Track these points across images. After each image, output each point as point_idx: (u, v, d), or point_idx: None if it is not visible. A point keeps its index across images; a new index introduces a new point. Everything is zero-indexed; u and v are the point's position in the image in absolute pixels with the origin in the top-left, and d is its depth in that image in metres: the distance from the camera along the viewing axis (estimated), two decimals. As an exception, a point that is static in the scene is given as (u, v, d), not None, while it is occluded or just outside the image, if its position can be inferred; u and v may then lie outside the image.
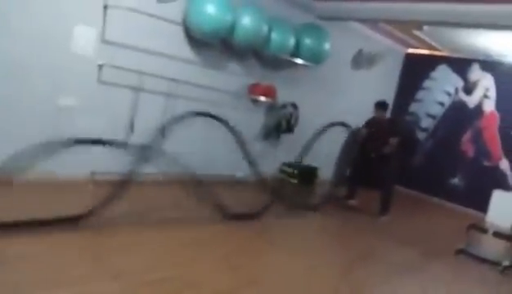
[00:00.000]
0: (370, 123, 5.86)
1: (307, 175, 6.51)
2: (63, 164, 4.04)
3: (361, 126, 6.22)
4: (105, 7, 4.21)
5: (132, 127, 4.64)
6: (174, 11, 4.73)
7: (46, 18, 3.90)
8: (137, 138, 4.60)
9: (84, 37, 4.18)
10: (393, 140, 5.48)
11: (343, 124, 5.79)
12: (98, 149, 3.79)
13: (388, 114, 5.95)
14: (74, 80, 4.19)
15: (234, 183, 5.52)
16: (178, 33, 4.88)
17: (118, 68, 4.36)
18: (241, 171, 5.44)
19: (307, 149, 5.37)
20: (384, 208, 5.59)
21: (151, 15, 4.41)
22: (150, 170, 4.12)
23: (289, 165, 6.44)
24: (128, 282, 2.62)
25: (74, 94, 4.22)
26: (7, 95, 3.81)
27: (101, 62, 4.29)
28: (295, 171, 6.39)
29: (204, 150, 5.35)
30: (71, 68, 4.14)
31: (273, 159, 6.31)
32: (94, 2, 4.16)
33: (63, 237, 2.98)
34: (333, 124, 5.65)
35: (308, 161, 6.30)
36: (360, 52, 7.28)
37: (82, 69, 4.22)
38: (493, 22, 4.94)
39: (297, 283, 3.12)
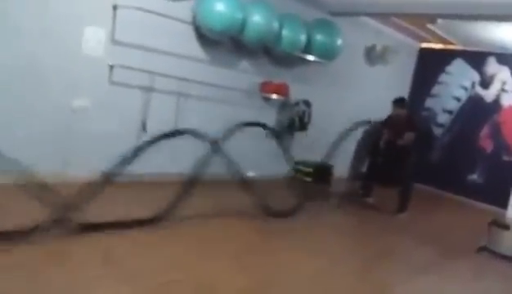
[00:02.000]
0: (388, 121, 5.73)
1: (321, 173, 6.37)
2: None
3: (376, 122, 6.10)
4: (115, 8, 4.19)
5: (144, 127, 4.61)
6: (184, 9, 4.70)
7: (57, 20, 3.90)
8: (149, 138, 4.60)
9: (95, 39, 4.17)
10: (409, 135, 5.36)
11: (368, 122, 5.68)
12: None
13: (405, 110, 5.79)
14: (85, 81, 4.18)
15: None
16: (188, 31, 4.84)
17: (129, 68, 4.34)
18: (253, 170, 5.38)
19: (334, 149, 5.32)
20: (402, 205, 5.47)
21: (161, 15, 4.38)
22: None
23: (304, 163, 6.34)
24: (140, 285, 2.56)
25: (86, 95, 4.21)
26: (21, 95, 3.81)
27: (111, 63, 4.27)
28: (309, 170, 6.29)
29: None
30: (83, 69, 4.14)
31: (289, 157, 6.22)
32: (103, 3, 4.15)
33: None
34: (358, 124, 5.54)
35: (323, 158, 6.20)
36: (373, 48, 7.16)
37: (93, 70, 4.21)
38: (509, 13, 4.80)
39: (313, 284, 3.05)
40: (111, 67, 4.29)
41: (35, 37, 3.80)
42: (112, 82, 4.35)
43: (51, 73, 3.94)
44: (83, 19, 4.05)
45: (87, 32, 4.10)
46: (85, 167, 4.19)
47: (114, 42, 4.28)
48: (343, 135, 5.37)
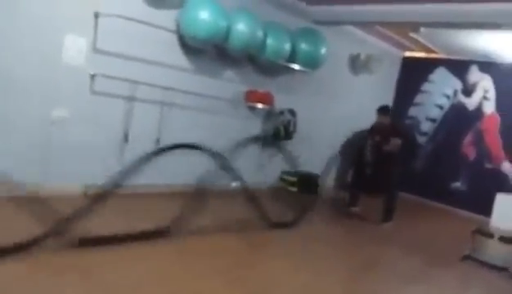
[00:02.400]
0: (373, 129, 5.73)
1: (307, 183, 6.35)
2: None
3: (359, 131, 6.11)
4: (96, 16, 4.11)
5: (126, 137, 4.53)
6: (167, 18, 4.64)
7: (36, 28, 3.80)
8: (131, 149, 4.52)
9: (75, 47, 4.08)
10: (395, 141, 5.37)
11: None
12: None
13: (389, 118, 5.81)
14: (66, 91, 4.08)
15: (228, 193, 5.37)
16: (172, 40, 4.79)
17: (111, 77, 4.25)
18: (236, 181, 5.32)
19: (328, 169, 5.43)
20: (388, 215, 5.47)
21: (144, 23, 4.31)
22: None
23: (289, 173, 6.31)
24: None
25: (66, 105, 4.11)
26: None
27: (93, 72, 4.18)
28: (295, 180, 6.26)
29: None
30: (63, 78, 4.04)
31: (272, 167, 6.19)
32: (84, 11, 4.06)
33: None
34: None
35: (308, 168, 6.19)
36: (357, 56, 7.20)
37: (74, 80, 4.11)
38: (490, 21, 4.87)
39: (300, 296, 2.99)
40: (92, 76, 4.20)
41: (12, 46, 3.69)
42: (93, 92, 4.26)
43: (29, 83, 3.83)
44: (63, 27, 3.96)
45: (68, 40, 4.01)
46: (66, 178, 4.09)
47: (95, 50, 4.19)
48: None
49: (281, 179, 6.35)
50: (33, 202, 2.82)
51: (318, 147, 6.63)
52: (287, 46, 5.50)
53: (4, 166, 3.60)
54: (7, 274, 2.50)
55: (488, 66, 7.36)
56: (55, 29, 3.92)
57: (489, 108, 7.39)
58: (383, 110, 5.63)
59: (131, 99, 4.50)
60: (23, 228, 2.85)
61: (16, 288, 2.41)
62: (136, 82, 4.44)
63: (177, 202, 3.71)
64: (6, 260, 2.60)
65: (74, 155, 4.17)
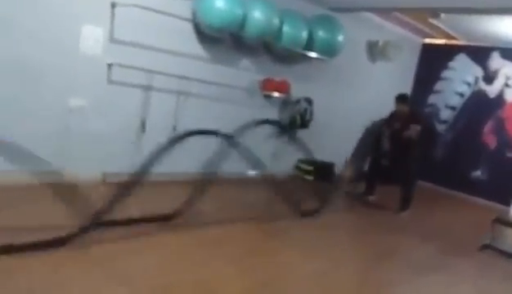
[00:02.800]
0: (392, 117, 5.69)
1: (323, 171, 6.34)
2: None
3: (377, 120, 6.05)
4: (113, 6, 4.14)
5: (143, 126, 4.58)
6: (183, 6, 4.64)
7: (54, 19, 3.85)
8: (149, 137, 4.58)
9: (92, 37, 4.12)
10: (415, 127, 5.30)
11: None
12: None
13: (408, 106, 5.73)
14: (83, 80, 4.14)
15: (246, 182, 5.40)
16: (188, 29, 4.79)
17: (127, 67, 4.29)
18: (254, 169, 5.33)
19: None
20: (405, 203, 5.42)
21: (160, 12, 4.32)
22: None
23: (305, 161, 6.30)
24: (138, 287, 2.53)
25: (84, 94, 4.17)
26: (19, 96, 3.77)
27: (110, 61, 4.23)
28: (311, 168, 6.25)
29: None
30: (81, 68, 4.09)
31: (289, 156, 6.18)
32: (101, 1, 4.10)
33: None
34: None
35: (325, 157, 6.16)
36: (375, 44, 7.09)
37: (91, 70, 4.16)
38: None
39: (313, 284, 3.01)
40: (109, 66, 4.24)
41: (32, 36, 3.75)
42: (110, 81, 4.31)
43: (47, 73, 3.89)
44: (80, 17, 4.00)
45: (85, 30, 4.06)
46: (84, 166, 4.17)
47: (112, 40, 4.23)
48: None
49: (297, 167, 6.34)
50: (60, 189, 2.90)
51: (335, 136, 6.59)
52: (304, 34, 5.44)
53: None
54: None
55: (510, 53, 7.16)
56: (72, 20, 3.96)
57: (511, 95, 7.21)
58: (401, 98, 5.56)
59: (147, 88, 4.54)
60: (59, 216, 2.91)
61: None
62: (152, 72, 4.47)
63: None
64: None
65: (92, 143, 4.24)
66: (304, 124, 6.06)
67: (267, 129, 5.77)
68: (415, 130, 5.29)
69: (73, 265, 2.63)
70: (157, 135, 4.66)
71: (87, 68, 4.13)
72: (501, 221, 4.86)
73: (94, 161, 4.27)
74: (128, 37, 4.32)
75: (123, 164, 4.34)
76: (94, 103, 4.22)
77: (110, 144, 4.37)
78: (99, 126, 4.28)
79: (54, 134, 4.02)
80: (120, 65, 4.25)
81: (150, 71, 4.46)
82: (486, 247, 4.51)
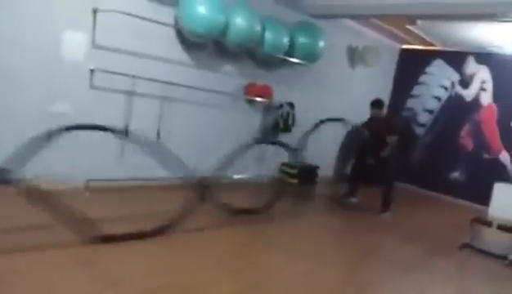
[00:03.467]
0: (368, 124, 5.79)
1: (307, 174, 6.41)
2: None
3: (359, 123, 6.16)
4: (95, 11, 4.14)
5: (126, 132, 4.55)
6: (166, 13, 4.66)
7: (35, 25, 3.83)
8: (131, 142, 4.57)
9: (74, 43, 4.11)
10: (391, 139, 5.43)
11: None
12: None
13: (385, 111, 5.87)
14: (66, 86, 4.11)
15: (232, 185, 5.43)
16: (171, 35, 4.82)
17: (110, 72, 4.28)
18: (239, 173, 5.38)
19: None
20: (386, 205, 5.52)
21: (143, 18, 4.33)
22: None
23: (289, 165, 6.36)
24: (125, 290, 2.53)
25: (66, 100, 4.14)
26: (0, 102, 3.73)
27: (92, 67, 4.21)
28: (295, 171, 6.31)
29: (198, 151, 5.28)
30: (63, 74, 4.07)
31: (272, 160, 6.23)
32: (83, 7, 4.09)
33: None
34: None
35: (308, 160, 6.23)
36: (354, 49, 7.24)
37: (73, 75, 4.14)
38: (486, 12, 4.90)
39: (299, 285, 3.04)
40: (92, 71, 4.23)
41: (14, 42, 3.72)
42: (93, 87, 4.29)
43: (29, 79, 3.86)
44: (62, 23, 3.99)
45: (67, 36, 4.04)
46: (68, 173, 4.12)
47: (94, 46, 4.22)
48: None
49: (282, 171, 6.40)
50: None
51: (317, 139, 6.67)
52: (285, 40, 5.53)
53: (3, 159, 3.66)
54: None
55: (485, 57, 7.40)
56: (53, 25, 3.95)
57: (486, 99, 7.43)
58: (376, 104, 5.68)
59: (131, 93, 4.53)
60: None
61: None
62: (135, 77, 4.47)
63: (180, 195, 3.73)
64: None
65: (74, 149, 4.20)
66: (287, 128, 6.13)
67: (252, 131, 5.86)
68: (391, 143, 5.42)
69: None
70: (141, 141, 4.67)
71: (69, 73, 4.11)
72: (479, 221, 4.99)
73: (77, 168, 4.23)
74: (111, 42, 4.32)
75: (107, 171, 4.33)
76: (76, 108, 4.19)
77: (92, 149, 4.33)
78: (81, 131, 4.23)
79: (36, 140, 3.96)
80: (103, 71, 4.24)
81: (133, 76, 4.45)
82: (465, 246, 4.62)
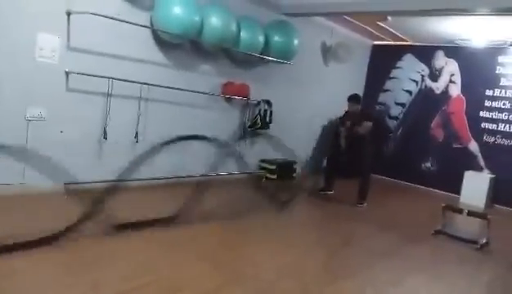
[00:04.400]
0: (344, 118, 5.98)
1: (285, 170, 6.56)
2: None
3: (334, 118, 6.33)
4: (68, 14, 4.13)
5: (105, 134, 4.57)
6: (141, 14, 4.68)
7: (7, 28, 3.80)
8: (111, 144, 4.59)
9: (49, 46, 4.09)
10: (367, 124, 5.62)
11: None
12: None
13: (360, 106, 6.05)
14: (41, 89, 4.09)
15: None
16: (146, 36, 4.84)
17: (86, 75, 4.28)
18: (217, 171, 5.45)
19: None
20: (362, 196, 5.70)
21: (117, 20, 4.34)
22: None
23: (267, 161, 6.50)
24: (104, 292, 2.55)
25: (42, 103, 4.12)
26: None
27: (67, 69, 4.20)
28: (273, 167, 6.44)
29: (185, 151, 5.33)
30: (38, 77, 4.04)
31: (252, 157, 6.34)
32: (56, 10, 4.07)
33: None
34: None
35: (286, 155, 6.38)
36: (328, 47, 7.39)
37: (49, 78, 4.12)
38: (454, 7, 5.10)
39: (281, 274, 3.14)
40: (67, 74, 4.22)
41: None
42: (69, 89, 4.28)
43: (3, 82, 3.82)
44: (35, 26, 3.96)
45: (41, 39, 4.02)
46: (44, 177, 4.10)
47: (69, 48, 4.21)
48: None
49: (261, 167, 6.51)
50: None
51: (294, 135, 6.81)
52: (260, 39, 5.63)
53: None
54: None
55: (454, 51, 7.67)
56: (27, 28, 3.91)
57: (455, 90, 7.71)
58: (353, 98, 5.85)
59: (108, 95, 4.54)
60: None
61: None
62: (112, 79, 4.48)
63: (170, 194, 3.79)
64: None
65: (52, 153, 4.18)
66: (265, 125, 6.24)
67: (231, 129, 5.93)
68: (366, 126, 5.63)
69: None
70: (120, 142, 4.69)
71: (45, 76, 4.09)
72: (451, 208, 5.20)
73: (54, 171, 4.21)
74: (86, 44, 4.32)
75: (85, 173, 4.33)
76: (53, 111, 4.18)
77: (70, 152, 4.32)
78: (58, 134, 4.24)
79: (12, 144, 3.94)
80: (78, 73, 4.24)
81: (109, 78, 4.46)
82: (438, 232, 4.81)
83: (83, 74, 4.26)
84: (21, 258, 2.73)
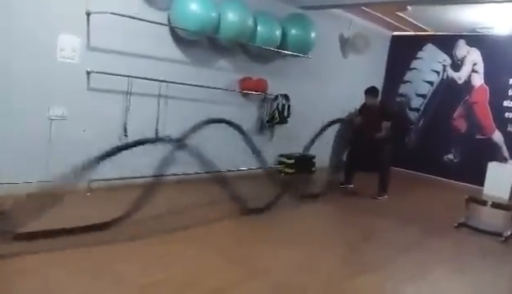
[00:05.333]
0: (362, 111, 5.93)
1: (303, 164, 6.55)
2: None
3: (353, 112, 6.27)
4: (88, 14, 4.20)
5: (125, 131, 4.64)
6: (158, 12, 4.73)
7: (30, 30, 3.88)
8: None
9: (69, 46, 4.17)
10: (386, 124, 5.56)
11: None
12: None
13: (379, 98, 5.98)
14: (63, 89, 4.18)
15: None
16: (164, 33, 4.88)
17: (106, 73, 4.36)
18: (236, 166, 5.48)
19: (313, 142, 5.52)
20: (382, 189, 5.64)
21: (135, 18, 4.39)
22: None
23: (286, 156, 6.49)
24: (126, 287, 2.60)
25: (64, 102, 4.21)
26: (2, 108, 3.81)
27: (88, 69, 4.28)
28: (292, 161, 6.44)
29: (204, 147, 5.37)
30: (60, 77, 4.13)
31: (270, 151, 6.34)
32: (76, 11, 4.15)
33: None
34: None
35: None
36: (346, 39, 7.32)
37: (70, 77, 4.21)
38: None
39: (300, 272, 3.13)
40: (88, 73, 4.30)
41: (8, 47, 3.78)
42: (90, 88, 4.37)
43: (27, 83, 3.93)
44: (56, 27, 4.04)
45: (61, 40, 4.11)
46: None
47: (89, 48, 4.29)
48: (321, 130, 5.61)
49: (279, 162, 6.52)
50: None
51: (313, 129, 6.76)
52: (277, 33, 5.61)
53: (4, 163, 3.75)
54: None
55: (476, 39, 7.49)
56: (48, 30, 4.00)
57: (478, 80, 7.54)
58: (371, 91, 5.77)
59: (127, 93, 4.61)
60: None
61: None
62: (131, 77, 4.55)
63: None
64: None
65: (75, 151, 4.27)
66: (283, 120, 6.23)
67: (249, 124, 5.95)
68: (385, 128, 5.55)
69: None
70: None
71: (66, 76, 4.18)
72: (474, 200, 5.11)
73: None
74: (105, 44, 4.39)
75: (108, 170, 4.41)
76: (74, 110, 4.27)
77: (93, 150, 4.38)
78: (81, 133, 4.33)
79: (36, 143, 4.05)
80: (99, 72, 4.32)
81: (129, 76, 4.53)
82: (461, 225, 4.74)
83: (103, 73, 4.34)
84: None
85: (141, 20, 4.43)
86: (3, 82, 3.79)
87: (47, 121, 4.12)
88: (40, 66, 4.00)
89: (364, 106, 5.92)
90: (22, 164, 3.92)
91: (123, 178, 4.60)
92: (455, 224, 4.72)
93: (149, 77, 4.68)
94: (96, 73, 4.31)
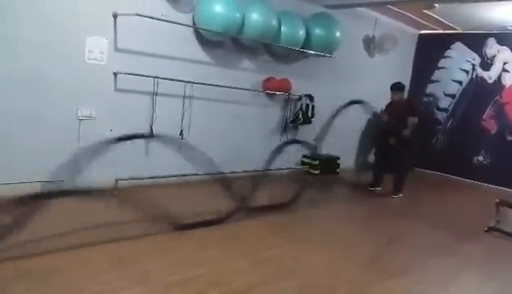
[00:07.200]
0: (389, 107, 5.82)
1: (328, 165, 6.49)
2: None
3: (379, 111, 6.17)
4: (115, 16, 4.28)
5: (151, 131, 4.70)
6: (183, 13, 4.77)
7: (59, 33, 3.99)
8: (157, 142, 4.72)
9: (97, 48, 4.26)
10: (412, 120, 5.44)
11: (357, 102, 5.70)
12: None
13: (405, 95, 5.88)
14: (91, 90, 4.27)
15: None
16: (189, 34, 4.93)
17: (133, 75, 4.42)
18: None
19: (325, 130, 5.47)
20: (396, 188, 5.57)
21: (161, 20, 4.45)
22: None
23: (310, 156, 6.44)
24: (153, 285, 2.63)
25: (92, 103, 4.30)
26: (30, 108, 3.91)
27: (115, 70, 4.36)
28: (317, 162, 6.39)
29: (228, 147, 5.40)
30: (88, 78, 4.23)
31: (294, 152, 6.30)
32: (103, 13, 4.23)
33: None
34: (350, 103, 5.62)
35: (329, 150, 6.30)
36: (371, 38, 7.21)
37: (98, 79, 4.30)
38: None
39: (325, 273, 3.11)
40: (115, 74, 4.38)
41: (38, 49, 3.88)
42: (117, 89, 4.45)
43: (55, 84, 4.02)
44: (84, 30, 4.14)
45: (89, 42, 4.19)
46: (99, 174, 4.28)
47: (116, 49, 4.37)
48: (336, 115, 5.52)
49: (303, 162, 6.48)
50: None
51: (337, 130, 6.70)
52: (301, 33, 5.57)
53: (35, 163, 3.85)
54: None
55: (506, 38, 7.26)
56: (77, 32, 4.10)
57: (509, 80, 7.30)
58: (396, 87, 5.68)
59: (153, 94, 4.67)
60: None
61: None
62: (157, 78, 4.60)
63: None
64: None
65: (102, 151, 4.35)
66: (307, 120, 6.19)
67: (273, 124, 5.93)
68: (411, 124, 5.43)
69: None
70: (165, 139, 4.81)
71: (94, 77, 4.27)
72: (506, 203, 4.94)
73: (106, 167, 4.39)
74: (132, 45, 4.46)
75: (133, 169, 4.49)
76: (102, 111, 4.35)
77: (120, 150, 4.47)
78: (108, 133, 4.40)
79: (66, 143, 4.14)
80: (126, 73, 4.39)
81: (155, 77, 4.59)
82: (491, 229, 4.60)
83: (130, 74, 4.40)
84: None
85: (167, 21, 4.48)
86: (34, 85, 3.90)
87: (76, 121, 4.22)
88: (70, 68, 4.10)
89: (390, 104, 5.81)
90: (52, 163, 4.00)
91: (150, 177, 4.67)
92: (486, 228, 4.59)
93: (174, 77, 4.73)
94: (123, 74, 4.38)
